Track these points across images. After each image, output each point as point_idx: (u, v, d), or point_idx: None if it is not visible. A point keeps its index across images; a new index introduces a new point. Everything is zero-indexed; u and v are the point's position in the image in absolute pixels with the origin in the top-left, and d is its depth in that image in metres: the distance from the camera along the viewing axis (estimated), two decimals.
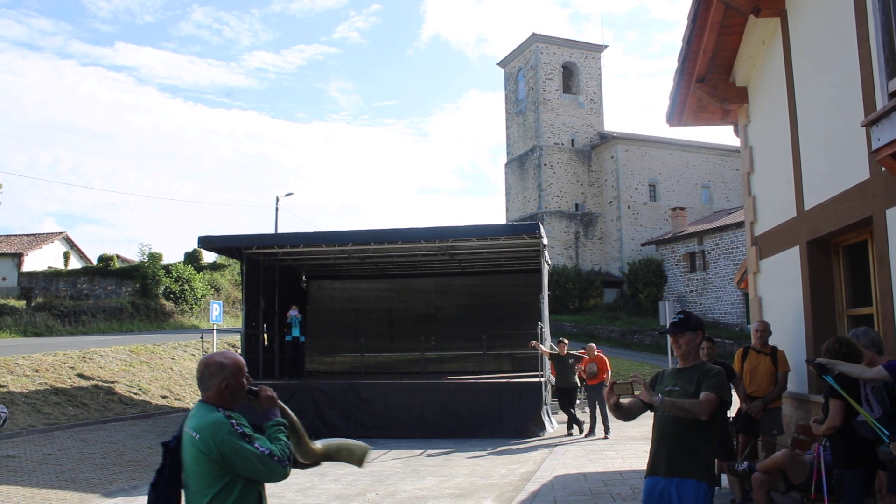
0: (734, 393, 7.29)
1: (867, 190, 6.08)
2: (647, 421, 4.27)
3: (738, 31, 8.69)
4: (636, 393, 4.04)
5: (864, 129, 5.79)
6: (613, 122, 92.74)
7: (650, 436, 4.17)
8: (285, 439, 3.03)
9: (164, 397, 18.85)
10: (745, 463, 6.84)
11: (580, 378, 14.60)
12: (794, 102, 7.64)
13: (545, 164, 48.58)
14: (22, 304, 32.01)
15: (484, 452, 12.40)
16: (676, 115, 9.66)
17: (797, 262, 7.71)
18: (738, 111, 9.34)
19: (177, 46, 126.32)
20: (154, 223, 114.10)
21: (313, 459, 3.26)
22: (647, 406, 4.09)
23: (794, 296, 7.84)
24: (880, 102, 5.66)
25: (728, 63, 9.09)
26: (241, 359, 3.16)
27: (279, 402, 3.14)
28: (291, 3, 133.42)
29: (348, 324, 22.00)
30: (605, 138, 49.43)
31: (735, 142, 10.32)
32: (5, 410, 5.32)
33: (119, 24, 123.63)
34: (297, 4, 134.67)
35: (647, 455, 4.17)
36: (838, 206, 6.65)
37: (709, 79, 8.97)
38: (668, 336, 4.21)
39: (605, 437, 13.45)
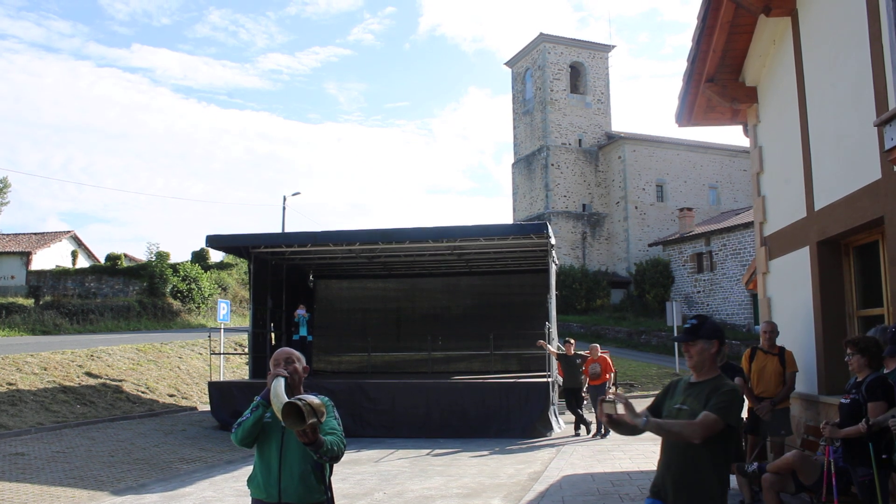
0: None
1: (879, 190, 6.04)
2: None
3: (748, 31, 8.66)
4: (618, 413, 3.54)
5: (877, 128, 5.76)
6: (625, 123, 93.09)
7: (660, 438, 3.88)
8: (248, 413, 3.68)
9: (171, 396, 18.89)
10: (755, 464, 6.80)
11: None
12: (804, 102, 7.60)
13: (552, 164, 48.54)
14: (30, 302, 32.17)
15: (491, 452, 12.38)
16: (686, 116, 9.64)
17: (807, 262, 7.67)
18: (747, 111, 9.31)
19: (192, 48, 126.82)
20: (163, 222, 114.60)
21: (293, 423, 3.30)
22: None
23: (803, 296, 7.80)
24: (893, 101, 5.64)
25: (738, 63, 9.06)
26: (282, 351, 3.82)
27: (270, 384, 3.55)
28: (307, 6, 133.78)
29: (355, 323, 22.03)
30: (612, 138, 49.37)
31: (743, 142, 10.33)
32: None
33: (136, 26, 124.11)
34: (312, 7, 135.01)
35: (656, 458, 3.90)
36: (849, 206, 6.61)
37: (718, 79, 8.94)
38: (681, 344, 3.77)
39: (602, 436, 13.48)
